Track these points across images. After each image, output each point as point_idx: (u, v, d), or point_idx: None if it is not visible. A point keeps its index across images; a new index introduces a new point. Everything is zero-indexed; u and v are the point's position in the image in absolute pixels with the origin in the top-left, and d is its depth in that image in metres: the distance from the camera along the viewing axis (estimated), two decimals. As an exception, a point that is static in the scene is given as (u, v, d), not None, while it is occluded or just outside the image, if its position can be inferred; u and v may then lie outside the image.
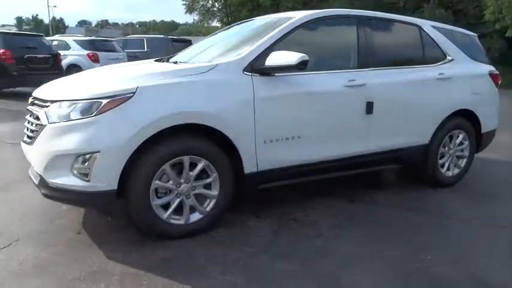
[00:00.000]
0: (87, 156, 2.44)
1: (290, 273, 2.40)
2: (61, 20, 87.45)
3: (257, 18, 3.90)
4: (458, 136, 3.99)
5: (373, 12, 3.58)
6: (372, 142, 3.40)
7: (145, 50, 13.98)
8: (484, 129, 4.14)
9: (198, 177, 2.76)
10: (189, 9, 27.69)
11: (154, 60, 3.66)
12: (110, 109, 2.44)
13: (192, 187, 2.74)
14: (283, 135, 2.97)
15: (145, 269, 2.38)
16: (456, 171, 4.06)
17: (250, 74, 2.83)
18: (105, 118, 2.43)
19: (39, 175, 2.60)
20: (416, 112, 3.59)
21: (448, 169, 4.00)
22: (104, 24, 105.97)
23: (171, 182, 2.67)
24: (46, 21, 57.91)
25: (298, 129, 3.03)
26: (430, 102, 3.66)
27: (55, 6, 78.19)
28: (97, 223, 3.02)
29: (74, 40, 12.86)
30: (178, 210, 2.74)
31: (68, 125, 2.47)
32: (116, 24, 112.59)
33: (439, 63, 3.81)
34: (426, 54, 3.82)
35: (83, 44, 12.53)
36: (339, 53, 3.40)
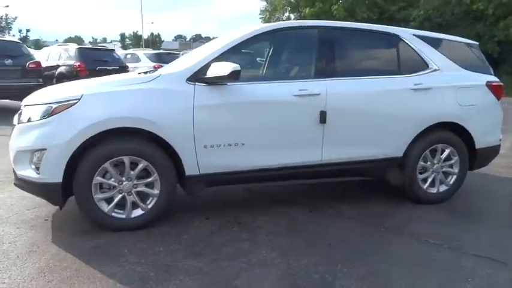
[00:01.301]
0: (39, 152, 2.87)
1: (195, 269, 2.55)
2: (158, 35, 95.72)
3: (235, 30, 4.10)
4: (443, 151, 3.73)
5: (341, 22, 3.57)
6: (329, 152, 3.38)
7: (266, 59, 14.88)
8: (479, 145, 3.81)
9: (141, 176, 3.05)
10: (265, 22, 28.54)
11: (138, 73, 4.06)
12: (58, 113, 2.85)
13: (133, 185, 3.03)
14: (225, 142, 3.12)
15: (74, 253, 2.71)
16: (443, 188, 3.80)
17: (193, 83, 3.05)
18: (53, 120, 2.85)
19: (13, 168, 3.10)
20: (382, 123, 3.47)
21: (432, 185, 3.76)
22: (197, 38, 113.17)
23: (112, 179, 2.99)
24: (145, 36, 63.80)
25: (242, 136, 3.16)
26: (401, 114, 3.51)
27: (152, 23, 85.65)
28: (67, 213, 3.45)
29: (144, 53, 14.20)
30: (124, 205, 3.06)
31: (29, 125, 2.94)
32: (207, 38, 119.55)
33: (418, 73, 3.63)
34: (402, 63, 3.67)
35: (151, 57, 13.77)
36: (293, 64, 3.47)
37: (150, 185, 3.07)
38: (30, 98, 3.30)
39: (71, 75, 10.67)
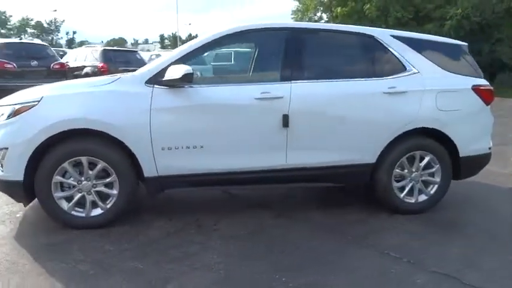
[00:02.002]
0: (2, 150, 3.00)
1: (135, 271, 2.57)
2: (196, 36, 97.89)
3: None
4: (423, 158, 3.54)
5: (311, 24, 3.48)
6: (294, 157, 3.29)
7: (232, 62, 14.95)
8: (463, 153, 3.58)
9: (101, 176, 3.11)
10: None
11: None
12: (20, 113, 2.96)
13: (93, 185, 3.10)
14: (183, 144, 3.12)
15: (28, 249, 2.82)
16: (423, 198, 3.60)
17: (152, 86, 3.08)
18: (16, 120, 2.97)
19: None
20: (352, 128, 3.34)
21: (411, 194, 3.57)
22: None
23: (72, 178, 3.07)
24: (183, 37, 65.39)
25: (201, 139, 3.15)
26: (373, 118, 3.37)
27: (190, 24, 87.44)
28: (40, 210, 3.57)
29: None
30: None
31: None
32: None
33: (394, 76, 3.46)
34: (377, 66, 3.52)
35: (222, 58, 14.08)
36: (258, 67, 3.41)
37: (109, 186, 3.13)
38: (5, 98, 3.46)
39: (95, 75, 11.09)
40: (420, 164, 3.54)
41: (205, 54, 3.30)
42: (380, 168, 3.47)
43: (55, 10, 60.01)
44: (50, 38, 60.03)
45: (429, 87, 3.47)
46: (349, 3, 24.01)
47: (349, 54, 3.58)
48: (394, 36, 3.55)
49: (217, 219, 3.37)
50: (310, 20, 28.09)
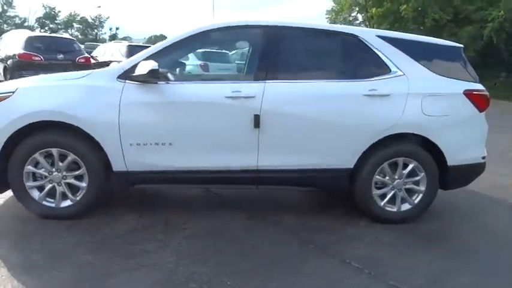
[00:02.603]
0: (-20, 139, 3.10)
1: (84, 263, 2.59)
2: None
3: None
4: (406, 165, 3.35)
5: (291, 22, 3.35)
6: (266, 158, 3.20)
7: (211, 61, 15.03)
8: (452, 161, 3.35)
9: (72, 168, 3.16)
10: (331, 23, 27.82)
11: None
12: None
13: (63, 176, 3.15)
14: (152, 140, 3.11)
15: (-6, 235, 2.91)
16: (406, 207, 3.41)
17: (123, 81, 3.09)
18: None
19: None
20: (328, 131, 3.20)
21: (392, 203, 3.39)
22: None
23: (43, 169, 3.13)
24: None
25: (170, 136, 3.12)
26: (351, 121, 3.21)
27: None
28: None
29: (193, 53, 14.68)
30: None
31: None
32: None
33: (377, 77, 3.29)
34: (359, 67, 3.36)
35: (198, 56, 14.17)
36: (232, 65, 3.33)
37: (79, 178, 3.17)
38: None
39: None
40: (403, 172, 3.35)
41: (183, 51, 3.27)
42: (359, 174, 3.32)
43: (99, 6, 62.13)
44: (94, 33, 62.46)
45: (414, 91, 3.27)
46: (385, 4, 23.34)
47: (329, 54, 3.44)
48: (380, 37, 3.37)
49: (187, 218, 3.34)
50: (344, 20, 27.58)
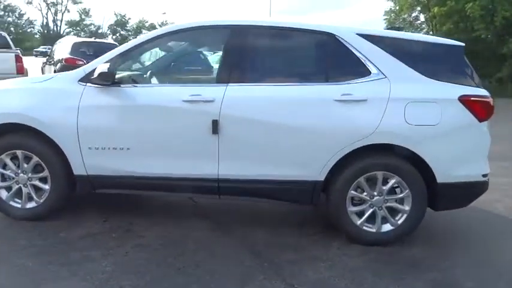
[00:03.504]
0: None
1: (21, 268, 2.56)
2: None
3: None
4: (387, 181, 2.95)
5: (259, 20, 3.10)
6: (227, 167, 2.99)
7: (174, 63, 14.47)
8: (442, 178, 2.90)
9: (38, 170, 3.18)
10: (390, 24, 26.50)
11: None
12: None
13: (28, 178, 3.18)
14: (110, 145, 3.04)
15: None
16: (387, 228, 3.01)
17: (84, 84, 3.05)
18: None
19: None
20: (293, 139, 2.91)
21: (371, 222, 3.01)
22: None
23: (9, 170, 3.19)
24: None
25: (127, 141, 3.03)
26: (320, 129, 2.89)
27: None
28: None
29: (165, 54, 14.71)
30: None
31: None
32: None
33: (353, 80, 2.93)
34: (333, 69, 3.02)
35: (168, 57, 14.14)
36: (193, 67, 3.15)
37: (43, 180, 3.19)
38: None
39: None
40: (383, 187, 2.96)
41: (146, 53, 3.17)
42: (332, 188, 2.99)
43: (164, 13, 65.28)
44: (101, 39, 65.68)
45: (397, 95, 2.87)
46: (448, 3, 21.76)
47: (300, 55, 3.15)
48: (361, 35, 3.00)
49: (150, 226, 3.22)
50: (404, 21, 26.19)
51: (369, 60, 2.95)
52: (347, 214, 2.99)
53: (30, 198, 3.22)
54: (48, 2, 62.30)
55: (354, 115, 2.88)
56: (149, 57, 3.45)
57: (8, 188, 3.23)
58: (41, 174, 3.16)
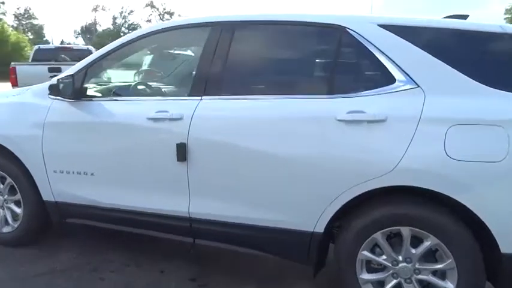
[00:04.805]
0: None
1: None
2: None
3: None
4: (421, 242, 1.96)
5: (246, 15, 2.34)
6: (198, 203, 2.31)
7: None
8: (508, 247, 1.82)
9: (13, 192, 2.89)
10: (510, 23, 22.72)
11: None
12: None
13: (4, 200, 2.91)
14: (74, 169, 2.59)
15: None
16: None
17: (54, 97, 2.66)
18: None
19: None
20: (280, 172, 2.10)
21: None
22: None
23: (-14, 192, 2.95)
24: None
25: (91, 165, 2.55)
26: (314, 160, 2.04)
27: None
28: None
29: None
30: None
31: None
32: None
33: (368, 91, 2.02)
34: (341, 75, 2.13)
35: (150, 62, 13.09)
36: (166, 76, 2.53)
37: (18, 204, 2.87)
38: None
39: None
40: (413, 251, 1.98)
41: (119, 60, 2.66)
42: (336, 245, 2.11)
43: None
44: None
45: (433, 114, 1.89)
46: None
47: (297, 57, 2.29)
48: (385, 26, 2.08)
49: (120, 265, 2.69)
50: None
51: (394, 62, 2.01)
52: (357, 283, 2.08)
53: (7, 222, 2.95)
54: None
55: (365, 142, 1.96)
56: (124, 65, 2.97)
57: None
58: (14, 197, 2.86)
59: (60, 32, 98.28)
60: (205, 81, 2.31)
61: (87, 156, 2.55)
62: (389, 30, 2.06)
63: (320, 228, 2.09)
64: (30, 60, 10.06)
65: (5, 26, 26.42)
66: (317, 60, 2.30)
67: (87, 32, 57.38)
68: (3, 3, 45.68)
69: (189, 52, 2.87)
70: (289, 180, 2.10)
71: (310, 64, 2.29)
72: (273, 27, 2.32)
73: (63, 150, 2.61)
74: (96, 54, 2.62)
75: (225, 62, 2.29)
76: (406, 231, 1.97)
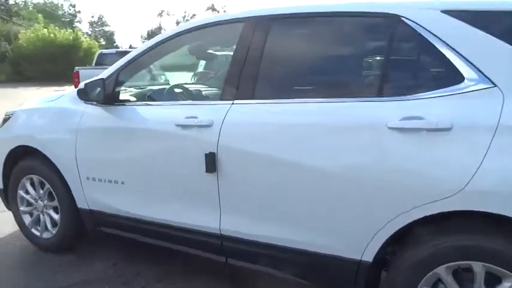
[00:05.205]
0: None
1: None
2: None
3: None
4: (499, 281, 1.56)
5: (282, 7, 2.03)
6: (230, 220, 2.08)
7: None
8: None
9: (51, 198, 2.85)
10: None
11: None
12: (5, 122, 3.04)
13: (44, 205, 2.88)
14: (106, 177, 2.47)
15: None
16: None
17: (88, 102, 2.57)
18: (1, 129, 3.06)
19: None
20: (318, 187, 1.80)
21: None
22: None
23: (29, 195, 2.93)
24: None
25: (122, 173, 2.41)
26: (360, 177, 1.70)
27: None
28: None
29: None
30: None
31: None
32: None
33: (428, 93, 1.64)
34: (391, 73, 1.76)
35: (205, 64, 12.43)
36: (201, 79, 2.30)
37: (56, 210, 2.83)
38: None
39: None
40: (487, 292, 1.58)
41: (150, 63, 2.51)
42: (388, 277, 1.76)
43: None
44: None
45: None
46: None
47: (343, 55, 1.95)
48: (450, 13, 1.69)
49: (151, 281, 2.53)
50: None
51: (462, 56, 1.61)
52: (413, 326, 1.71)
53: (46, 228, 2.93)
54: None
55: (424, 156, 1.60)
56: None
57: (31, 214, 3.01)
58: (53, 203, 2.82)
59: (129, 37, 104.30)
60: (237, 84, 2.06)
61: (118, 164, 2.43)
62: (456, 17, 1.67)
63: (368, 257, 1.76)
64: (93, 65, 10.59)
65: (79, 33, 28.30)
66: (365, 58, 1.96)
67: (153, 36, 60.19)
68: (79, 12, 49.19)
69: (227, 52, 2.65)
70: (331, 199, 1.78)
71: (356, 62, 1.95)
72: (314, 20, 2.00)
73: (95, 157, 2.51)
74: (127, 57, 2.48)
75: (259, 62, 2.02)
76: (478, 267, 1.57)
